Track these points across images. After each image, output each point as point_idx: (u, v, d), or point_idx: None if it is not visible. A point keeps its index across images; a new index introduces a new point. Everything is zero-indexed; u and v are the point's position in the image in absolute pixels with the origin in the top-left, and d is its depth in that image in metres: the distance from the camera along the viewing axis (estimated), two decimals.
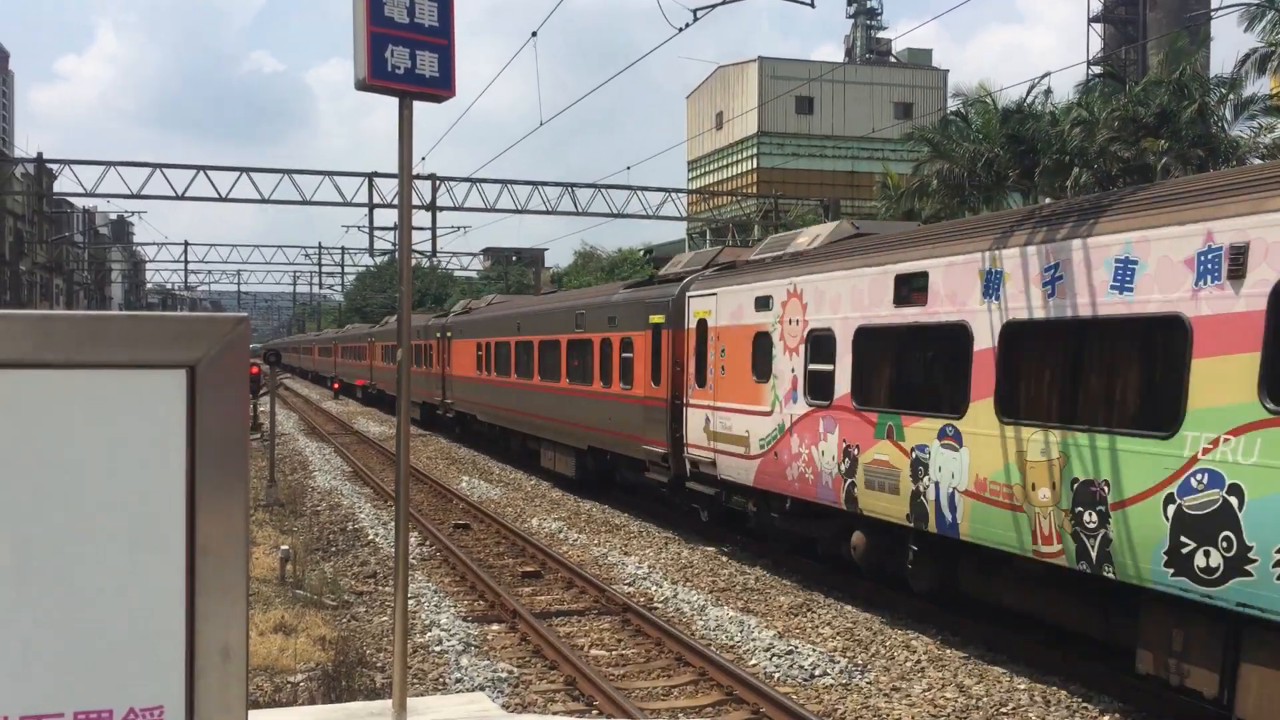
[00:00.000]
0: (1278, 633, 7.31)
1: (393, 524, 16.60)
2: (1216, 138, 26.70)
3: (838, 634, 11.67)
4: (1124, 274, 8.54)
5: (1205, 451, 7.67)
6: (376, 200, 39.11)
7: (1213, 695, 7.93)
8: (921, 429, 11.08)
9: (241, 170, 38.43)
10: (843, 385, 12.47)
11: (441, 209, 39.94)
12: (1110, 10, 57.45)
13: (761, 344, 14.46)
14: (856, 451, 12.19)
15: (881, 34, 70.18)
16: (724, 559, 15.72)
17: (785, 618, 12.40)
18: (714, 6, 18.56)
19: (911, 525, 11.24)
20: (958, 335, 10.51)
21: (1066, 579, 9.47)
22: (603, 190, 41.63)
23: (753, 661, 10.73)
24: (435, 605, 12.93)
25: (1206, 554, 7.63)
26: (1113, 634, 9.34)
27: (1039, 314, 9.49)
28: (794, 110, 53.50)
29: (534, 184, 40.95)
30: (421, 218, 39.58)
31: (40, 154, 48.08)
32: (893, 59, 64.94)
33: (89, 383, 1.98)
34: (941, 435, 10.75)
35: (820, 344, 12.98)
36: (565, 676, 10.18)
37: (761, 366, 14.46)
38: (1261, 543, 7.23)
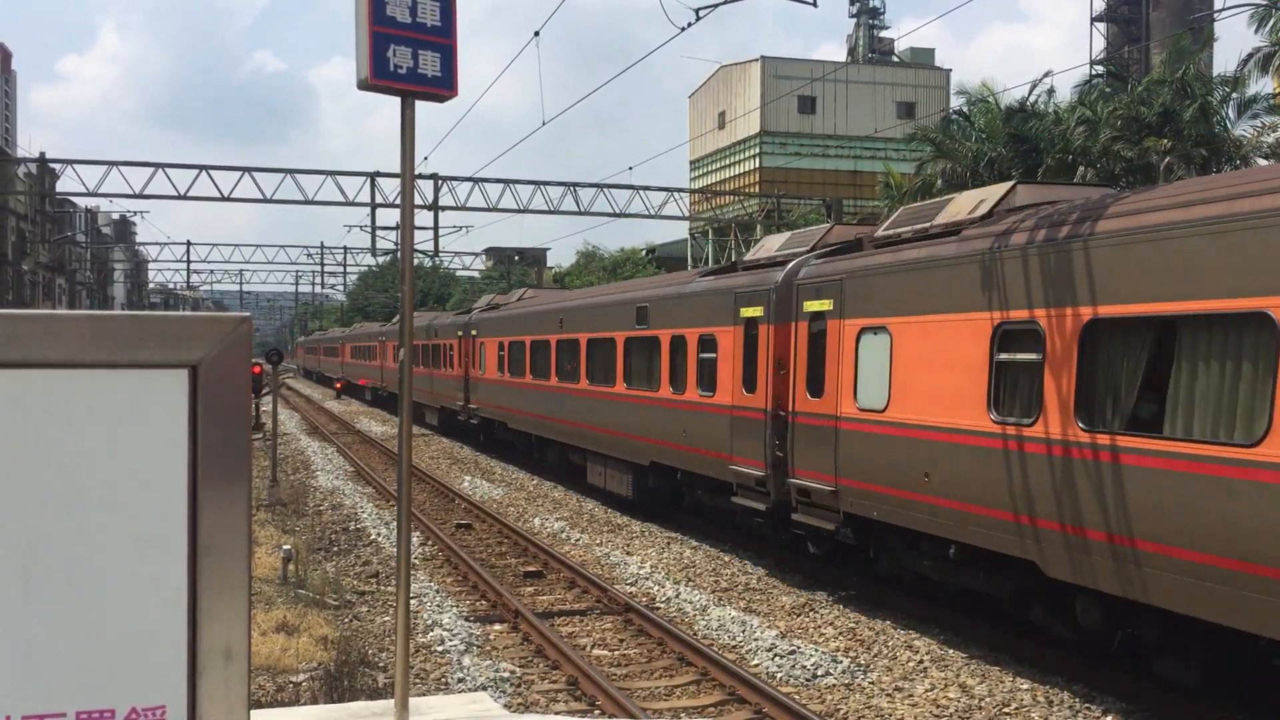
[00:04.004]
0: None
1: (395, 524, 16.60)
2: (1219, 137, 26.68)
3: (840, 634, 11.66)
4: None
5: None
6: (379, 200, 39.12)
7: None
8: None
9: (244, 170, 38.44)
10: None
11: (444, 209, 39.94)
12: (1113, 10, 57.39)
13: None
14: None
15: (884, 33, 70.16)
16: (726, 559, 15.70)
17: (787, 618, 12.39)
18: (716, 6, 18.56)
19: None
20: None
21: None
22: (605, 190, 41.62)
23: (755, 661, 10.72)
24: (437, 605, 12.93)
25: None
26: None
27: None
28: (796, 110, 53.43)
29: (536, 183, 40.94)
30: (424, 217, 39.58)
31: (43, 154, 48.11)
32: (895, 58, 64.87)
33: (91, 382, 1.98)
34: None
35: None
36: (567, 676, 10.18)
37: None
38: None
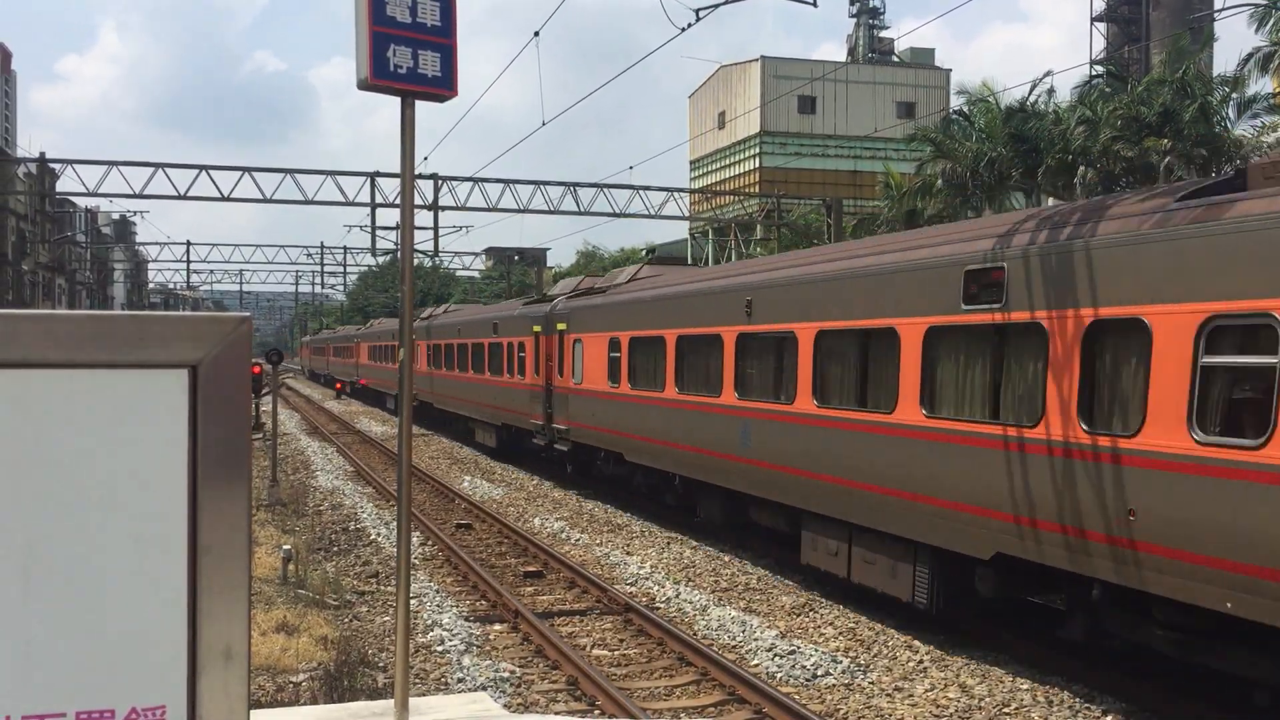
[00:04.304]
0: None
1: (394, 524, 16.58)
2: (1219, 137, 26.69)
3: (840, 634, 11.66)
4: None
5: None
6: (379, 200, 39.10)
7: None
8: None
9: (244, 170, 38.42)
10: None
11: (444, 208, 39.91)
12: (1113, 10, 57.38)
13: None
14: None
15: (884, 33, 70.16)
16: (726, 559, 15.70)
17: (787, 618, 12.39)
18: (716, 6, 18.56)
19: None
20: None
21: None
22: (605, 190, 41.60)
23: (755, 661, 10.72)
24: (437, 605, 12.93)
25: None
26: None
27: None
28: (796, 110, 53.46)
29: (536, 183, 40.92)
30: (424, 217, 39.56)
31: (43, 154, 48.08)
32: (895, 58, 64.88)
33: (91, 382, 1.98)
34: None
35: None
36: (567, 676, 10.18)
37: None
38: None
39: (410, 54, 4.92)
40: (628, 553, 16.27)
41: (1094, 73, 38.10)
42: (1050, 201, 26.57)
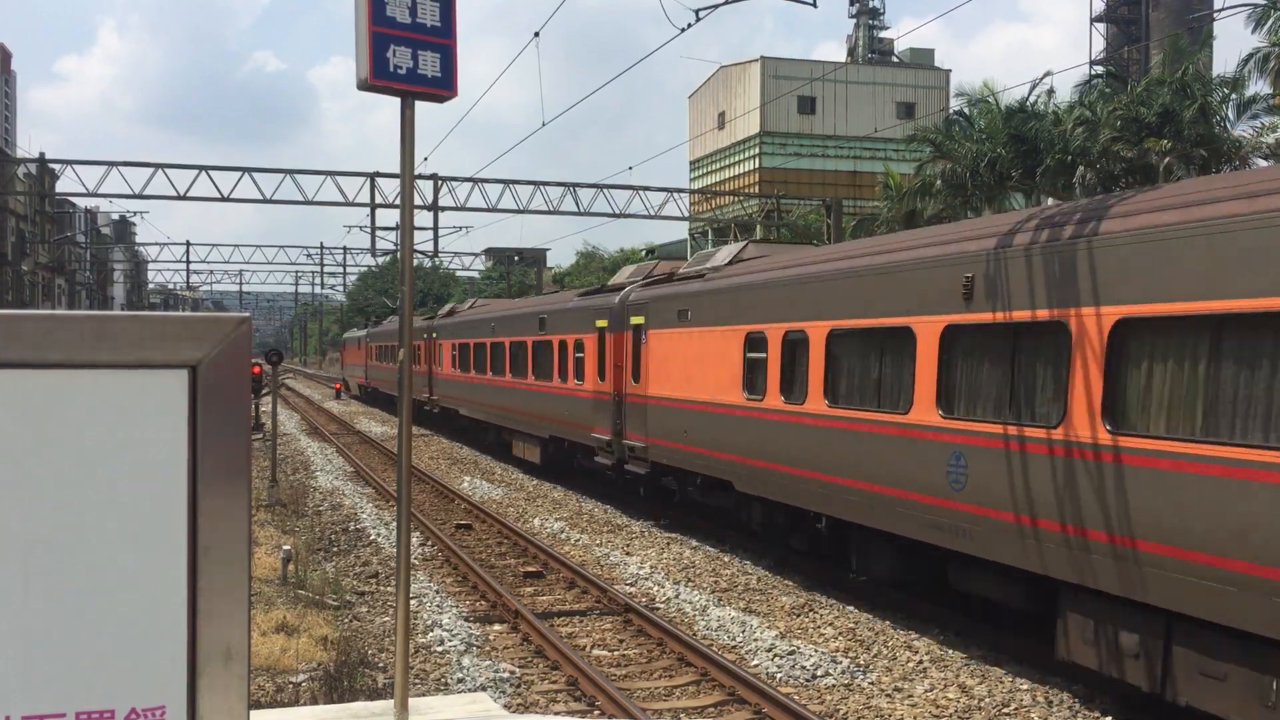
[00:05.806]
0: None
1: (394, 524, 16.57)
2: (1219, 137, 26.69)
3: (840, 634, 11.66)
4: None
5: None
6: (378, 200, 39.03)
7: None
8: None
9: (243, 170, 38.37)
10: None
11: (443, 209, 39.87)
12: (1113, 10, 57.38)
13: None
14: None
15: (884, 34, 70.16)
16: (726, 559, 15.71)
17: (787, 618, 12.39)
18: (716, 6, 18.55)
19: None
20: None
21: None
22: (605, 190, 41.57)
23: (755, 662, 10.72)
24: (437, 605, 12.92)
25: None
26: None
27: None
28: (796, 110, 53.50)
29: (536, 184, 40.88)
30: (423, 218, 39.55)
31: (42, 154, 48.07)
32: (895, 59, 64.91)
33: (91, 383, 1.98)
34: None
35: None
36: (567, 677, 10.18)
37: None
38: None
39: (410, 54, 4.93)
40: (627, 553, 16.27)
41: (1094, 73, 38.09)
42: (1050, 201, 26.55)
